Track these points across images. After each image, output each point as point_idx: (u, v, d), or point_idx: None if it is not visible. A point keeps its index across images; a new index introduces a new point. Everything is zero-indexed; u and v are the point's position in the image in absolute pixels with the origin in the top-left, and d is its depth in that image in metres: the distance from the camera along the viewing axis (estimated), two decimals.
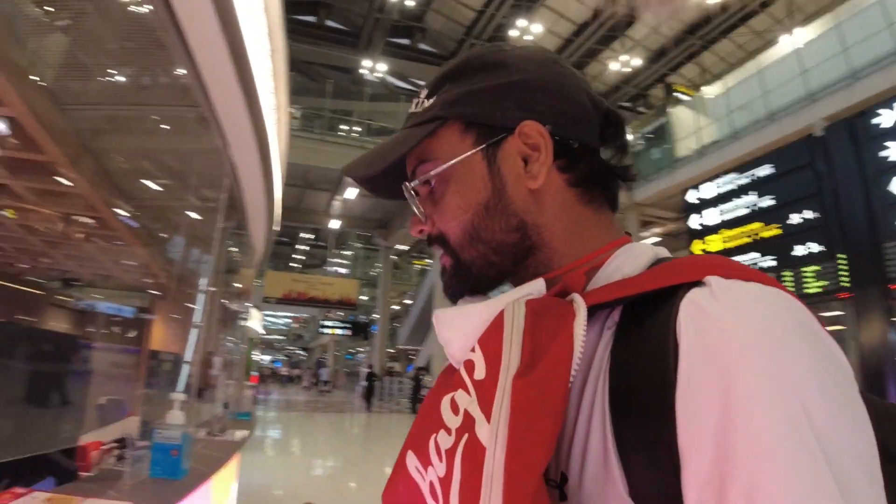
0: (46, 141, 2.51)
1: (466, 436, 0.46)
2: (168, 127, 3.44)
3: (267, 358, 52.88)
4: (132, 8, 2.41)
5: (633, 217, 16.37)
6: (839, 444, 0.37)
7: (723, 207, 11.87)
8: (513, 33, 17.33)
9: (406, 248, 25.08)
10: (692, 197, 12.82)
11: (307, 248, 32.73)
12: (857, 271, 9.19)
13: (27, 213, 3.71)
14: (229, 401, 4.06)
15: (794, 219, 10.18)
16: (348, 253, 33.49)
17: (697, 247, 12.35)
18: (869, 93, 9.68)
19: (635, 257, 0.55)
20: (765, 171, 11.03)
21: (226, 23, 2.16)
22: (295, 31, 18.05)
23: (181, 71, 2.51)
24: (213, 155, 3.79)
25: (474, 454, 0.44)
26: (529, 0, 16.48)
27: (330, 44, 19.64)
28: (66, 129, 2.68)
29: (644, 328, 0.45)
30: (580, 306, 0.47)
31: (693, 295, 0.43)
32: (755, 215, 11.08)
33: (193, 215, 4.51)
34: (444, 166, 0.59)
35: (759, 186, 11.08)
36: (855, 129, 9.35)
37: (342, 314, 28.06)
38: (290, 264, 34.66)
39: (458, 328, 0.55)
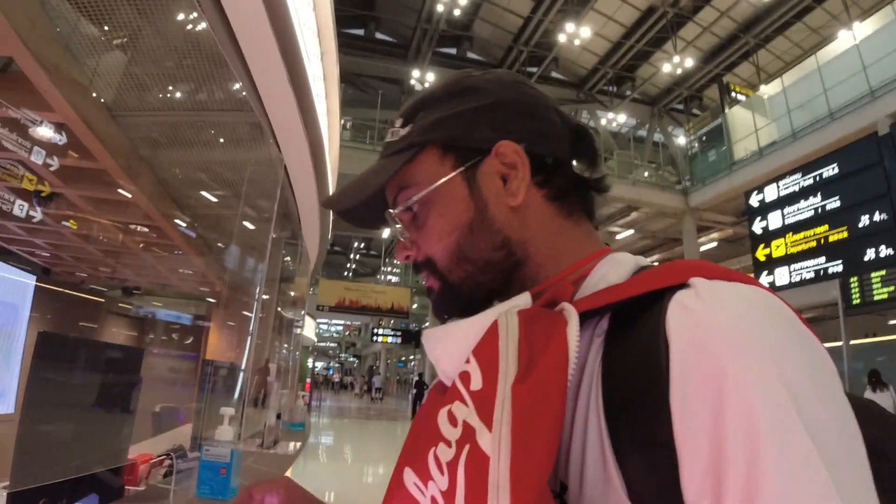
0: (100, 150, 2.56)
1: (468, 446, 0.46)
2: (218, 135, 3.48)
3: (320, 365, 53.66)
4: (182, 15, 2.42)
5: (690, 222, 15.92)
6: (829, 433, 0.38)
7: (786, 210, 11.40)
8: (561, 38, 17.16)
9: None
10: (754, 200, 12.34)
11: (360, 257, 33.10)
12: None
13: (83, 222, 3.81)
14: (283, 411, 4.03)
15: (863, 221, 9.69)
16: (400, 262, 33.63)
17: (761, 252, 11.87)
18: None
19: (619, 266, 0.56)
20: (829, 171, 10.57)
21: (279, 30, 2.16)
22: (345, 44, 18.32)
23: (237, 85, 2.51)
24: (268, 165, 3.83)
25: (477, 464, 0.44)
26: (578, 4, 16.27)
27: (379, 55, 19.89)
28: (119, 138, 2.73)
29: (634, 332, 0.46)
30: (571, 313, 0.47)
31: (679, 296, 0.45)
32: (821, 218, 10.62)
33: (248, 225, 4.56)
34: (426, 191, 0.61)
35: (824, 187, 10.64)
36: None
37: (394, 322, 28.20)
38: (344, 273, 35.10)
39: (448, 344, 0.56)
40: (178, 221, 4.35)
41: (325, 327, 46.61)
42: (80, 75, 2.55)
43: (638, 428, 0.42)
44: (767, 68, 17.97)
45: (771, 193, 11.90)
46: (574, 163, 0.64)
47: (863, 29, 12.13)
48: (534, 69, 19.25)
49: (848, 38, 12.34)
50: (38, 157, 2.11)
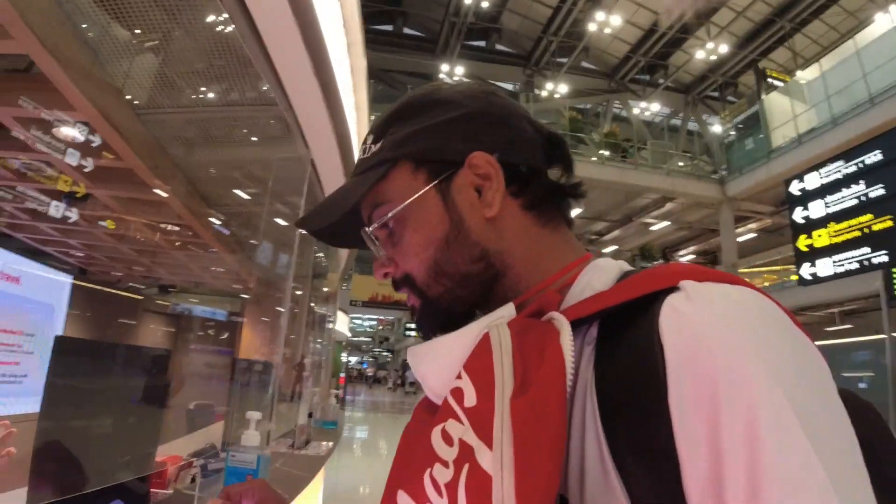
0: (124, 149, 2.55)
1: (467, 466, 0.44)
2: (244, 131, 3.47)
3: (354, 359, 54.17)
4: (204, 9, 2.39)
5: (728, 212, 15.55)
6: (825, 433, 0.38)
7: (828, 199, 11.03)
8: (591, 27, 16.89)
9: None
10: (795, 188, 11.97)
11: None
12: None
13: (114, 222, 3.84)
14: (315, 409, 4.00)
15: None
16: None
17: (803, 242, 11.52)
18: None
19: (603, 272, 0.56)
20: (872, 158, 10.19)
21: (302, 21, 2.11)
22: (373, 40, 18.37)
23: (261, 80, 2.47)
24: (296, 161, 3.80)
25: (479, 484, 0.42)
26: None
27: (407, 51, 19.88)
28: (144, 137, 2.73)
29: (626, 338, 0.46)
30: (563, 323, 0.47)
31: (671, 300, 0.44)
32: (864, 206, 10.23)
33: (280, 221, 4.56)
34: (400, 207, 0.60)
35: (867, 175, 10.25)
36: None
37: None
38: None
39: (434, 360, 0.55)
40: (212, 220, 4.37)
41: (358, 322, 47.03)
42: (101, 72, 2.54)
43: (637, 434, 0.42)
44: (804, 53, 17.45)
45: (812, 181, 11.53)
46: (549, 171, 0.64)
47: None
48: (564, 59, 19.03)
49: (885, 20, 11.89)
50: (72, 159, 2.11)
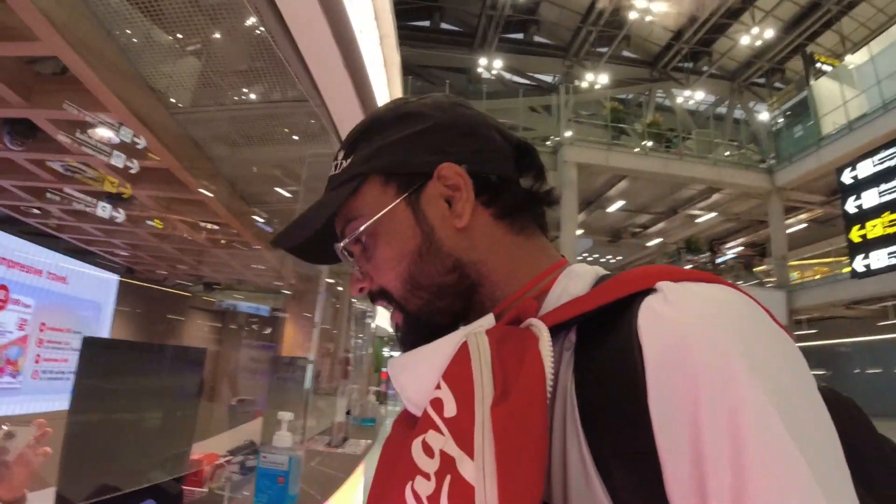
0: (159, 148, 2.58)
1: (449, 477, 0.43)
2: (278, 127, 3.48)
3: (396, 354, 55.00)
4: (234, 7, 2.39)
5: (777, 203, 15.05)
6: (807, 429, 0.38)
7: (883, 187, 10.59)
8: (632, 15, 16.54)
9: None
10: (847, 177, 11.53)
11: None
12: None
13: (154, 220, 3.91)
14: (353, 406, 3.98)
15: None
16: None
17: (856, 233, 11.08)
18: None
19: (579, 277, 0.56)
20: None
21: (330, 13, 2.08)
22: (410, 36, 18.39)
23: (293, 76, 2.46)
24: (331, 158, 3.79)
25: (462, 494, 0.42)
26: None
27: (445, 46, 19.86)
28: (180, 137, 2.75)
29: (605, 342, 0.46)
30: (542, 329, 0.47)
31: (648, 301, 0.45)
32: None
33: None
34: (370, 221, 0.60)
35: None
36: None
37: None
38: None
39: (412, 371, 0.54)
40: (254, 217, 4.44)
41: None
42: (133, 72, 2.57)
43: (619, 438, 0.42)
44: (852, 36, 16.80)
45: (865, 169, 11.11)
46: (522, 179, 0.64)
47: None
48: (604, 49, 18.74)
49: None
50: (118, 161, 2.14)
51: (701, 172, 14.87)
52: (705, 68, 19.46)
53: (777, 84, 19.70)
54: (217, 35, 2.70)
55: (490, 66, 19.77)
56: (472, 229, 0.59)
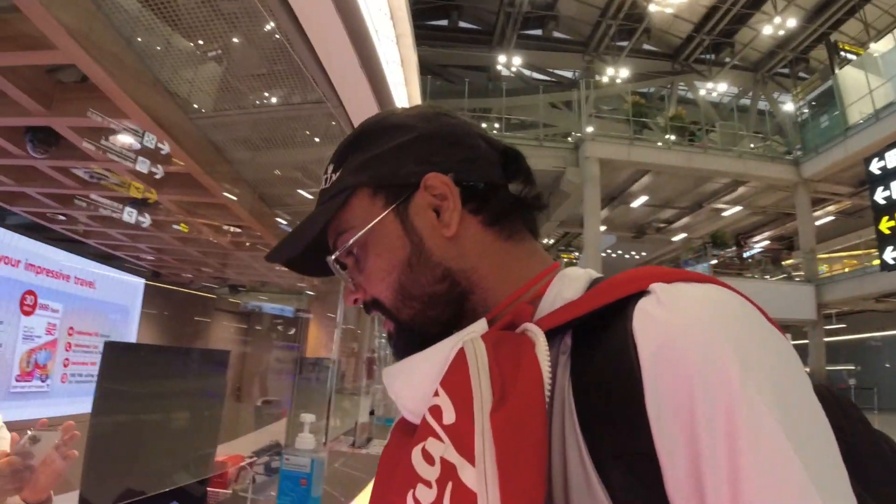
0: (180, 153, 2.60)
1: (451, 484, 0.44)
2: (295, 129, 3.49)
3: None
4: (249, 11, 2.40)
5: (804, 195, 14.75)
6: (801, 427, 0.38)
7: None
8: (651, 7, 16.35)
9: (551, 241, 24.73)
10: (875, 167, 11.26)
11: None
12: None
13: (178, 224, 3.95)
14: (377, 406, 3.98)
15: None
16: None
17: (885, 224, 10.83)
18: None
19: (572, 281, 0.56)
20: None
21: (347, 15, 2.09)
22: (429, 35, 18.39)
23: (309, 78, 2.46)
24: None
25: (464, 501, 0.42)
26: None
27: (464, 44, 19.83)
28: (200, 141, 2.77)
29: (600, 345, 0.46)
30: (538, 333, 0.48)
31: (642, 304, 0.45)
32: None
33: None
34: (360, 233, 0.61)
35: None
36: None
37: None
38: None
39: (408, 379, 0.55)
40: (277, 219, 4.47)
41: None
42: (152, 78, 2.59)
43: (617, 439, 0.42)
44: (876, 24, 16.35)
45: (893, 159, 10.84)
46: (511, 185, 0.64)
47: None
48: (624, 43, 18.55)
49: None
50: (143, 167, 2.16)
51: (725, 165, 14.63)
52: (728, 59, 19.15)
53: (801, 74, 19.31)
54: (235, 39, 2.71)
55: (509, 63, 19.69)
56: (460, 238, 0.60)
